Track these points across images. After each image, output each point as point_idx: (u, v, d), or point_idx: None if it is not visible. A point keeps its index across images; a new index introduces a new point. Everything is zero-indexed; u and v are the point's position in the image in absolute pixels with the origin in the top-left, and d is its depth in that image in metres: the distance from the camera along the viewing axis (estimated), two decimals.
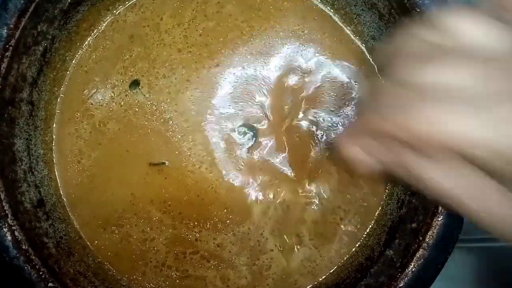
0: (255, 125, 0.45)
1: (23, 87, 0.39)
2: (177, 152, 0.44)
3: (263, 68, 0.45)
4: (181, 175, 0.44)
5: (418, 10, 0.38)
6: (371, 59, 0.46)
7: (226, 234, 0.44)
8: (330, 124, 0.45)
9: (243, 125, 0.45)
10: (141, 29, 0.45)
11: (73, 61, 0.44)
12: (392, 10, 0.41)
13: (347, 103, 0.45)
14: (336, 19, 0.46)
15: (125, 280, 0.44)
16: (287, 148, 0.45)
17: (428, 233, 0.38)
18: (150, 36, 0.45)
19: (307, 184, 0.45)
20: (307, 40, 0.46)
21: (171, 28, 0.45)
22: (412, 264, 0.38)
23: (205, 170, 0.44)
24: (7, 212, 0.36)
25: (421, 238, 0.38)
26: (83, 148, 0.44)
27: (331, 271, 0.45)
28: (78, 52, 0.44)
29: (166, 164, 0.44)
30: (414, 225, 0.40)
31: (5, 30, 0.35)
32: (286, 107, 0.45)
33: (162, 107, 0.44)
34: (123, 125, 0.44)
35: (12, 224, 0.36)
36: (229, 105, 0.45)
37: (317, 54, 0.46)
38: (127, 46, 0.45)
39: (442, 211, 0.38)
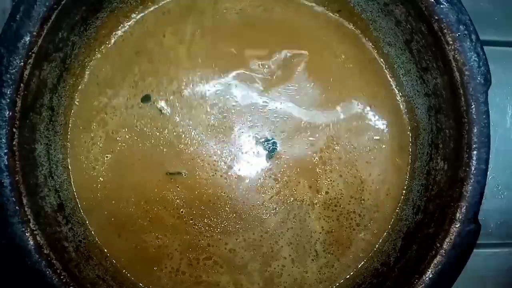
0: (274, 136, 0.45)
1: (44, 93, 0.40)
2: (189, 163, 0.45)
3: (279, 87, 0.46)
4: (194, 183, 0.44)
5: (436, 18, 0.38)
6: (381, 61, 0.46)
7: (237, 239, 0.45)
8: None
9: (262, 136, 0.45)
10: (147, 45, 0.45)
11: (87, 70, 0.44)
12: (410, 17, 0.41)
13: None
14: (351, 28, 0.46)
15: (142, 285, 0.44)
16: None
17: (446, 240, 0.38)
18: (155, 52, 0.45)
19: (323, 192, 0.45)
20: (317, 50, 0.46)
21: (174, 45, 0.45)
22: (429, 270, 0.38)
23: (219, 177, 0.45)
24: (29, 217, 0.36)
25: (438, 244, 0.38)
26: (98, 155, 0.44)
27: (347, 276, 0.45)
28: (92, 61, 0.45)
29: (184, 175, 0.44)
30: (431, 231, 0.40)
31: (28, 38, 0.36)
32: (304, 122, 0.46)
33: (175, 121, 0.45)
34: (135, 134, 0.45)
35: (34, 228, 0.37)
36: (247, 119, 0.45)
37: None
38: (135, 61, 0.45)
39: (460, 217, 0.38)
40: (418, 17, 0.40)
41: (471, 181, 0.38)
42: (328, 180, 0.45)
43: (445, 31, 0.38)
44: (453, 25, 0.37)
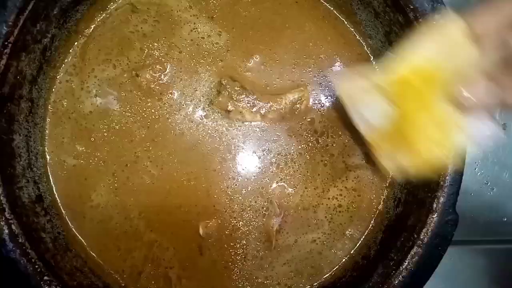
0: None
1: (23, 84, 0.40)
2: (162, 169, 0.44)
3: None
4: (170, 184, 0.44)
5: (411, 7, 0.38)
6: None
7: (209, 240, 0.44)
8: None
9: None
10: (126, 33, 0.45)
11: (66, 61, 0.44)
12: (387, 8, 0.41)
13: None
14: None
15: (119, 276, 0.44)
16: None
17: (423, 231, 0.38)
18: (133, 40, 0.44)
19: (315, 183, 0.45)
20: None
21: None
22: (407, 261, 0.38)
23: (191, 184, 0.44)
24: (4, 206, 0.36)
25: (415, 235, 0.38)
26: (76, 145, 0.44)
27: (332, 270, 0.44)
28: (70, 52, 0.44)
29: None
30: (409, 223, 0.40)
31: (4, 28, 0.36)
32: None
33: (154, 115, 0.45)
34: (112, 128, 0.44)
35: (10, 218, 0.37)
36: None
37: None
38: (116, 49, 0.44)
39: (437, 208, 0.38)
40: (394, 8, 0.40)
41: (449, 169, 0.38)
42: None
43: (421, 20, 0.38)
44: (428, 14, 0.37)
